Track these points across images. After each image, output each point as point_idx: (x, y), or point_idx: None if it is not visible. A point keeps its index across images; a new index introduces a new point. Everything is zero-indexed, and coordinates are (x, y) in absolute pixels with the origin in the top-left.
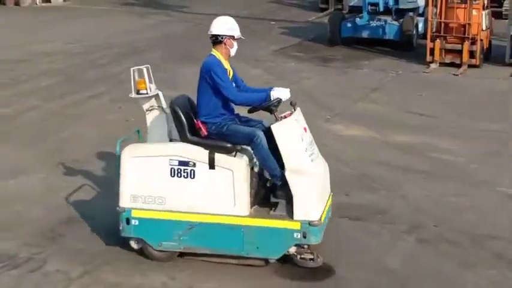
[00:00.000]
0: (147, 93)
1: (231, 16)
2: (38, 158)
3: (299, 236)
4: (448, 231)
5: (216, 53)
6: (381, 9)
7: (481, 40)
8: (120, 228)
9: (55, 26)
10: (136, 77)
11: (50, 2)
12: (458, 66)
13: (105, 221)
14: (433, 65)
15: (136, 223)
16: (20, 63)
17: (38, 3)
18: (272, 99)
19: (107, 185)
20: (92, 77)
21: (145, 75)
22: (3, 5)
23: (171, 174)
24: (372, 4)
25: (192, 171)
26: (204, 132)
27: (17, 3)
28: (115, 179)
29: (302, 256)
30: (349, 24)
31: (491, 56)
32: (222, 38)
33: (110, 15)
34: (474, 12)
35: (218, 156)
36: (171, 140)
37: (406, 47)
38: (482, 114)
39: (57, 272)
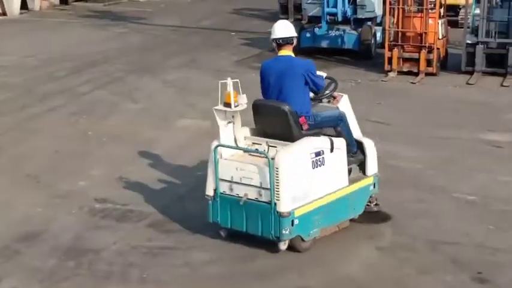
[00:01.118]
0: (235, 106)
1: (192, 28)
2: None
3: (372, 188)
4: (405, 237)
5: (292, 53)
6: (340, 19)
7: (438, 49)
8: (286, 232)
9: (11, 39)
10: (228, 89)
11: (6, 15)
12: (416, 74)
13: (63, 236)
14: (391, 74)
15: (297, 222)
16: None
17: None
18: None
19: (64, 200)
20: (49, 90)
21: (230, 87)
22: None
23: (312, 167)
24: (330, 14)
25: (323, 159)
26: (306, 126)
27: (4, 14)
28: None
29: (367, 204)
30: (308, 34)
31: (447, 64)
32: (294, 39)
33: (67, 28)
34: (430, 21)
35: (334, 140)
36: None
37: (365, 56)
38: (439, 122)
39: None
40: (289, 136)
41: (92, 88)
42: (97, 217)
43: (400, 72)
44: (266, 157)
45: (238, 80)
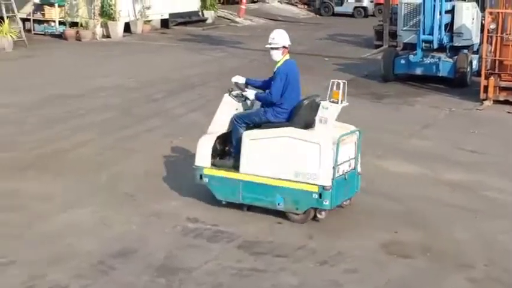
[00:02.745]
0: (338, 103)
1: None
2: (91, 191)
3: None
4: (499, 271)
5: None
6: (435, 46)
7: None
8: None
9: (113, 61)
10: (334, 88)
11: (109, 37)
12: None
13: (156, 254)
14: (486, 103)
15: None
16: (77, 98)
17: (98, 38)
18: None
19: (158, 218)
20: (146, 111)
21: (340, 89)
22: (65, 40)
23: None
24: (426, 41)
25: None
26: None
27: (78, 39)
28: None
29: None
30: (402, 61)
31: None
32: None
33: (167, 51)
34: None
35: None
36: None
37: (460, 84)
38: None
39: None
40: (311, 125)
41: (188, 110)
42: (189, 237)
43: (496, 101)
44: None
45: (346, 82)
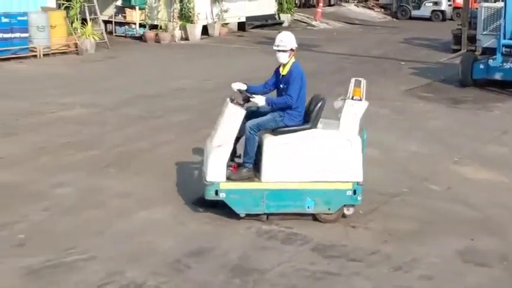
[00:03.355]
0: (359, 100)
1: (362, 56)
2: (169, 190)
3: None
4: None
5: None
6: None
7: None
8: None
9: (191, 63)
10: (355, 86)
11: (188, 40)
12: None
13: (231, 255)
14: None
15: None
16: (155, 98)
17: (176, 40)
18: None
19: (233, 219)
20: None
21: (363, 86)
22: (145, 42)
23: None
24: (506, 46)
25: None
26: None
27: (157, 41)
28: None
29: None
30: (481, 66)
31: None
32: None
33: (243, 53)
34: None
35: None
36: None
37: None
38: None
39: None
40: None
41: None
42: (263, 238)
43: None
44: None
45: (365, 80)
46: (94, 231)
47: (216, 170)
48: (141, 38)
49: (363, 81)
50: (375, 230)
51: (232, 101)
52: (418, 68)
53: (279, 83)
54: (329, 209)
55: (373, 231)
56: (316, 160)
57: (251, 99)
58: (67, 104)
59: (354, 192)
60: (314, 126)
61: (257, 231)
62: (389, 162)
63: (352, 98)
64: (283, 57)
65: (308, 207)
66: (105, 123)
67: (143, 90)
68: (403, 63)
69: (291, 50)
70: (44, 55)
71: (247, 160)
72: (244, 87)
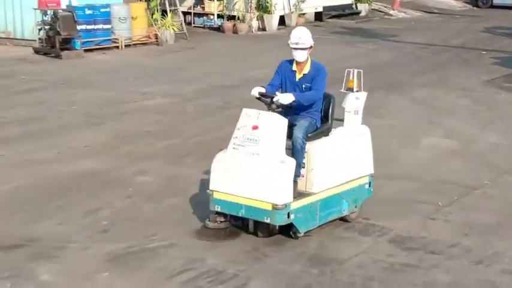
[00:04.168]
0: (354, 91)
1: (441, 46)
2: None
3: None
4: None
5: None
6: None
7: None
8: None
9: (268, 53)
10: (350, 77)
11: (265, 30)
12: None
13: (308, 244)
14: None
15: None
16: (233, 88)
17: (254, 31)
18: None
19: None
20: None
21: (354, 77)
22: (223, 32)
23: None
24: None
25: None
26: None
27: (235, 32)
28: None
29: None
30: None
31: None
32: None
33: (320, 43)
34: None
35: None
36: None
37: None
38: None
39: None
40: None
41: (339, 102)
42: (340, 229)
43: None
44: None
45: (361, 71)
46: (174, 218)
47: (286, 190)
48: (219, 29)
49: (357, 72)
50: (455, 222)
51: (272, 110)
52: (500, 57)
53: (295, 83)
54: (355, 207)
55: (452, 223)
56: (347, 160)
57: (276, 99)
58: (147, 94)
59: (369, 184)
60: (333, 124)
61: (334, 221)
62: (469, 154)
63: (348, 90)
64: (301, 56)
65: (344, 210)
66: (184, 113)
67: (221, 81)
68: (484, 52)
69: (310, 47)
70: (125, 46)
71: (297, 173)
72: (262, 90)
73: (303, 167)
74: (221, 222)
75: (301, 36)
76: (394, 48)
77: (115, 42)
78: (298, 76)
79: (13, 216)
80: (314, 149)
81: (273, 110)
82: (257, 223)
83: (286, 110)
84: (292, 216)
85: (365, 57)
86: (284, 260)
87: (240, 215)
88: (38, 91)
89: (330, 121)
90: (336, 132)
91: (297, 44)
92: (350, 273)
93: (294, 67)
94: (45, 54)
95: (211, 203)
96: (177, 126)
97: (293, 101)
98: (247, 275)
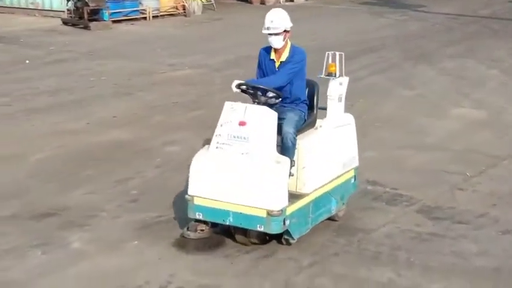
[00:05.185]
0: (334, 76)
1: (470, 16)
2: None
3: None
4: None
5: None
6: None
7: None
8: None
9: (295, 24)
10: (330, 61)
11: (292, 1)
12: None
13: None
14: None
15: None
16: None
17: (281, 2)
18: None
19: None
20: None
21: (337, 60)
22: (250, 3)
23: None
24: None
25: None
26: None
27: (262, 2)
28: None
29: None
30: None
31: None
32: None
33: (348, 14)
34: None
35: None
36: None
37: None
38: None
39: (288, 260)
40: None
41: (368, 73)
42: (368, 199)
43: None
44: None
45: (343, 53)
46: None
47: (282, 194)
48: (246, 0)
49: (338, 55)
50: (483, 192)
51: (259, 102)
52: None
53: (275, 73)
54: (343, 204)
55: (480, 193)
56: (334, 153)
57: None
58: (175, 65)
59: (354, 178)
60: (316, 115)
61: (362, 191)
62: (497, 125)
63: (329, 75)
64: (276, 42)
65: (332, 209)
66: (212, 84)
67: (248, 51)
68: None
69: (285, 31)
70: (153, 17)
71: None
72: (241, 81)
73: (293, 165)
74: (202, 230)
75: (273, 20)
76: (422, 19)
77: (143, 13)
78: (277, 64)
79: (44, 185)
80: (305, 144)
81: (261, 103)
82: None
83: (273, 103)
84: (287, 222)
85: (394, 27)
86: (313, 229)
87: (228, 223)
88: (67, 62)
89: (315, 111)
90: (322, 124)
91: (268, 28)
92: (377, 243)
93: (273, 55)
94: (73, 25)
95: (191, 210)
96: (205, 96)
97: (257, 90)
98: (274, 243)
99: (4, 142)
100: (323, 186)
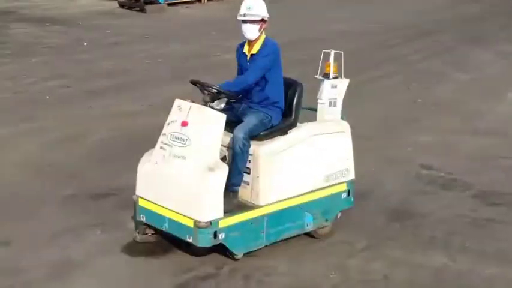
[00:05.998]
0: (327, 78)
1: None
2: None
3: None
4: None
5: None
6: None
7: None
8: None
9: (354, 6)
10: (330, 60)
11: None
12: None
13: (390, 198)
14: None
15: None
16: (316, 42)
17: None
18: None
19: (392, 163)
20: (382, 57)
21: (331, 60)
22: None
23: None
24: None
25: None
26: None
27: None
28: None
29: None
30: None
31: None
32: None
33: None
34: None
35: None
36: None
37: None
38: None
39: (342, 243)
40: None
41: (423, 57)
42: (422, 183)
43: None
44: None
45: (342, 52)
46: None
47: (213, 206)
48: None
49: (332, 53)
50: None
51: (206, 102)
52: None
53: (245, 68)
54: (326, 221)
55: None
56: (314, 163)
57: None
58: (230, 47)
59: (348, 193)
60: (297, 120)
61: (416, 175)
62: None
63: (325, 76)
64: (251, 32)
65: (307, 225)
66: None
67: (304, 34)
68: None
69: (262, 20)
70: (208, 0)
71: (236, 182)
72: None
73: (248, 173)
74: (152, 234)
75: (251, 6)
76: (481, 0)
77: None
78: (248, 58)
79: (101, 166)
80: (261, 152)
81: (207, 103)
82: None
83: (235, 102)
84: (221, 235)
85: (449, 10)
86: (366, 213)
87: (164, 230)
88: (123, 45)
89: (293, 116)
90: (297, 131)
91: (244, 15)
92: (432, 228)
93: (246, 48)
94: (129, 8)
95: (137, 212)
96: None
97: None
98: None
99: (62, 124)
100: (288, 199)
